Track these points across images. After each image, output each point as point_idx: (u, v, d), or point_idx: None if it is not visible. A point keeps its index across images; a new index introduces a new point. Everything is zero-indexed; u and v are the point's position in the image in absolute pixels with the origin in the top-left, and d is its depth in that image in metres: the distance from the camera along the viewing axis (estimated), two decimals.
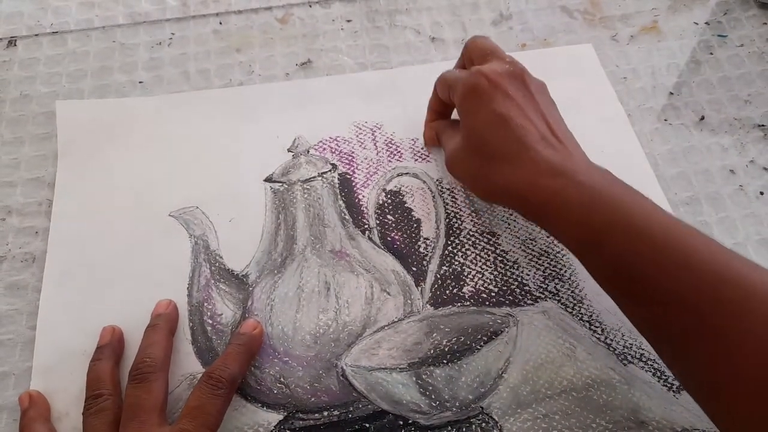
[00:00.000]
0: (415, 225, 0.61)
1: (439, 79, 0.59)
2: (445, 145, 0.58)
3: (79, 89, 0.69)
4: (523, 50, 0.73)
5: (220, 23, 0.74)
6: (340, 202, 0.61)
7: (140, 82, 0.69)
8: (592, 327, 0.55)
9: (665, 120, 0.67)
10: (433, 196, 0.62)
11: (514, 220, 0.61)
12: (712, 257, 0.41)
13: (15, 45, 0.72)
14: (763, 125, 0.67)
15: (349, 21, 0.74)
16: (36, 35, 0.73)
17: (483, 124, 0.52)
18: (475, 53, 0.57)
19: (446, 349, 0.52)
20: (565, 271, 0.58)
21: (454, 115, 0.63)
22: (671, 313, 0.41)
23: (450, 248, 0.59)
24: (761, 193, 0.63)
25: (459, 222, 0.61)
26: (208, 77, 0.70)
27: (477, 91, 0.52)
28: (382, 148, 0.65)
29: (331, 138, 0.66)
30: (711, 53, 0.72)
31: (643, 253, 0.42)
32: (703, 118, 0.68)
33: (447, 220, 0.61)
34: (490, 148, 0.51)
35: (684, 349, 0.42)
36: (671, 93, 0.69)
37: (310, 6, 0.76)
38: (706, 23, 0.75)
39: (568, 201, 0.46)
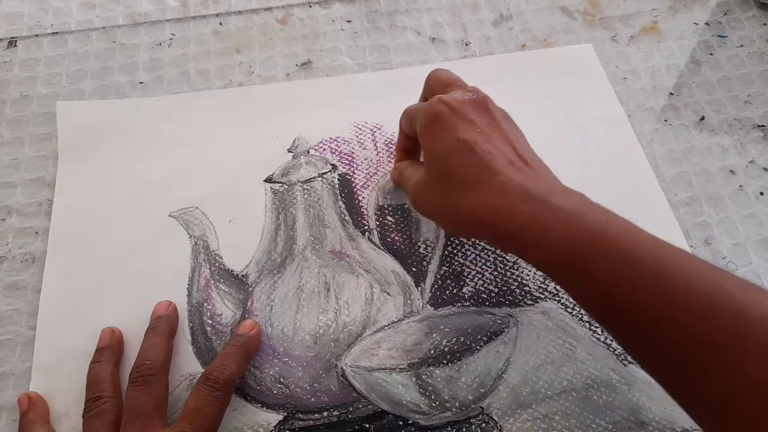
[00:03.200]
0: (414, 226, 0.61)
1: (403, 113, 0.58)
2: (408, 182, 0.56)
3: (80, 90, 0.69)
4: (523, 51, 0.73)
5: (221, 24, 0.74)
6: (340, 202, 0.61)
7: (140, 83, 0.69)
8: (592, 327, 0.55)
9: (665, 120, 0.67)
10: None
11: None
12: (704, 280, 0.39)
13: (15, 45, 0.72)
14: (763, 126, 0.67)
15: (349, 21, 0.74)
16: (36, 36, 0.73)
17: (446, 151, 0.49)
18: (436, 85, 0.55)
19: (446, 350, 0.52)
20: None
21: None
22: (664, 343, 0.39)
23: (450, 249, 0.59)
24: (761, 194, 0.63)
25: None
26: (208, 78, 0.70)
27: (439, 119, 0.50)
28: (382, 149, 0.65)
29: (331, 138, 0.66)
30: (711, 54, 0.72)
31: (633, 279, 0.40)
32: (703, 118, 0.68)
33: None
34: (455, 176, 0.48)
35: (679, 383, 0.40)
36: (671, 93, 0.69)
37: (310, 6, 0.76)
38: (706, 24, 0.75)
39: (545, 226, 0.43)
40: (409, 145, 0.59)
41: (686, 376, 0.39)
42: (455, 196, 0.48)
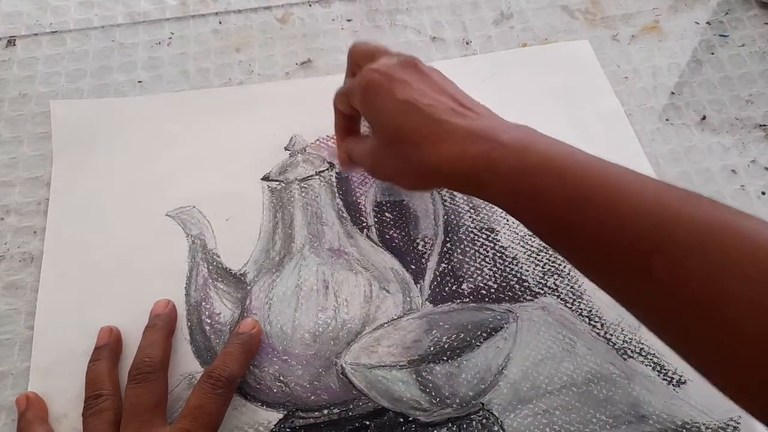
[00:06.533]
0: (413, 222, 0.60)
1: (336, 95, 0.58)
2: (360, 156, 0.56)
3: (78, 89, 0.69)
4: (523, 49, 0.73)
5: (220, 23, 0.74)
6: (338, 200, 0.61)
7: (139, 82, 0.69)
8: (592, 322, 0.55)
9: (666, 120, 0.67)
10: (431, 193, 0.62)
11: None
12: (646, 197, 0.40)
13: (14, 44, 0.72)
14: (764, 125, 0.67)
15: (349, 20, 0.74)
16: (35, 35, 0.73)
17: (390, 114, 0.49)
18: (360, 57, 0.56)
19: (446, 346, 0.52)
20: (564, 267, 0.58)
21: None
22: (612, 263, 0.41)
23: (448, 245, 0.59)
24: (763, 193, 0.63)
25: (457, 218, 0.60)
26: (207, 77, 0.70)
27: (374, 88, 0.50)
28: None
29: (328, 136, 0.65)
30: (712, 53, 0.72)
31: (582, 200, 0.41)
32: (704, 117, 0.67)
33: (445, 216, 0.61)
34: (404, 135, 0.48)
35: (629, 291, 0.42)
36: (672, 93, 0.69)
37: (310, 5, 0.76)
38: (707, 23, 0.75)
39: (496, 162, 0.44)
40: (348, 125, 0.60)
41: (632, 283, 0.41)
42: (410, 154, 0.48)
